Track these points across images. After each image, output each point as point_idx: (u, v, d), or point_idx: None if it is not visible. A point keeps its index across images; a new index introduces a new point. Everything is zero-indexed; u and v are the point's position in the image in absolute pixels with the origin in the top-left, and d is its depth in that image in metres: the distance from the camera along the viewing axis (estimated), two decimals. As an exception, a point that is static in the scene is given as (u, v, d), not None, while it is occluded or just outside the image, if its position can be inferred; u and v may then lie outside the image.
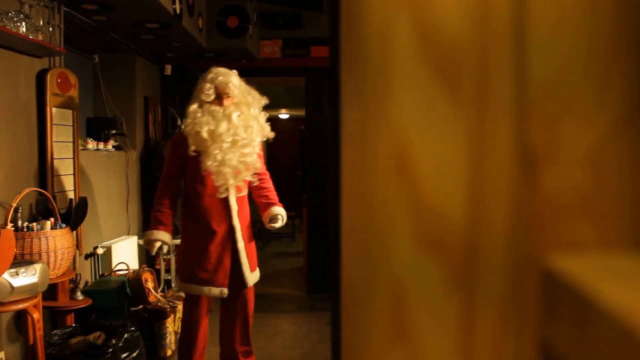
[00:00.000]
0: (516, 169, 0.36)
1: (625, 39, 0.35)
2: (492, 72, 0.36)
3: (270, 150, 9.83)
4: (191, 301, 2.89)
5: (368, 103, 0.37)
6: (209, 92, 2.75)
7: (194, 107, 2.77)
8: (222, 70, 2.81)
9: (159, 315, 3.59)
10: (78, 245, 3.31)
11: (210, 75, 2.78)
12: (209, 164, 2.70)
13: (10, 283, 2.32)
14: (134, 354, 2.98)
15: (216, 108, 2.74)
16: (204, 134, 2.69)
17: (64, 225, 2.90)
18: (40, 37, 2.90)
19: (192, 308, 2.89)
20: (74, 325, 3.06)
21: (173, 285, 4.42)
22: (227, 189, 2.77)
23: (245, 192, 2.91)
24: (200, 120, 2.71)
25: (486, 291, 0.37)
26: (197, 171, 2.76)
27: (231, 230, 2.83)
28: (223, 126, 2.70)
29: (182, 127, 2.74)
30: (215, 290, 2.83)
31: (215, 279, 2.83)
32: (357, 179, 0.39)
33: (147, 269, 3.87)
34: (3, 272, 2.30)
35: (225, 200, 2.80)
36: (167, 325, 3.61)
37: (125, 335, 2.97)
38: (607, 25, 0.35)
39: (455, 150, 0.37)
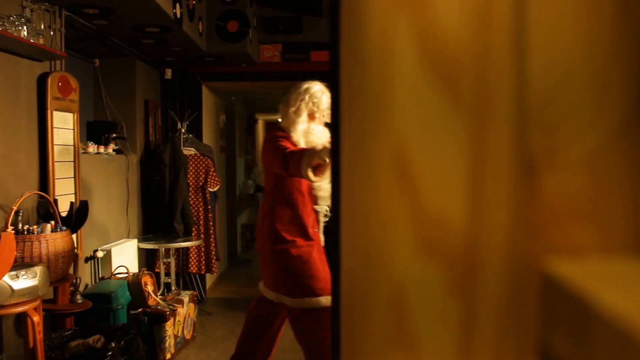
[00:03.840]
0: (516, 175, 0.37)
1: (624, 46, 0.36)
2: (492, 79, 0.36)
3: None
4: (326, 313, 2.64)
5: (368, 108, 0.38)
6: (322, 109, 2.71)
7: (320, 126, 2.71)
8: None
9: (159, 318, 3.59)
10: (78, 248, 3.31)
11: (324, 93, 2.71)
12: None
13: (10, 286, 2.32)
14: (134, 357, 2.97)
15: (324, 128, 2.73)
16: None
17: (64, 228, 2.89)
18: (41, 41, 2.90)
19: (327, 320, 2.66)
20: (73, 328, 3.06)
21: (173, 288, 4.41)
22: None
23: None
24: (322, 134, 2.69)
25: (486, 296, 0.37)
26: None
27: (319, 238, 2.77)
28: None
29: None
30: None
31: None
32: (357, 185, 0.39)
33: (146, 272, 3.87)
34: (3, 275, 2.30)
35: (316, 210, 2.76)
36: (167, 328, 3.60)
37: (125, 339, 2.97)
38: (606, 32, 0.36)
39: (455, 156, 0.37)
